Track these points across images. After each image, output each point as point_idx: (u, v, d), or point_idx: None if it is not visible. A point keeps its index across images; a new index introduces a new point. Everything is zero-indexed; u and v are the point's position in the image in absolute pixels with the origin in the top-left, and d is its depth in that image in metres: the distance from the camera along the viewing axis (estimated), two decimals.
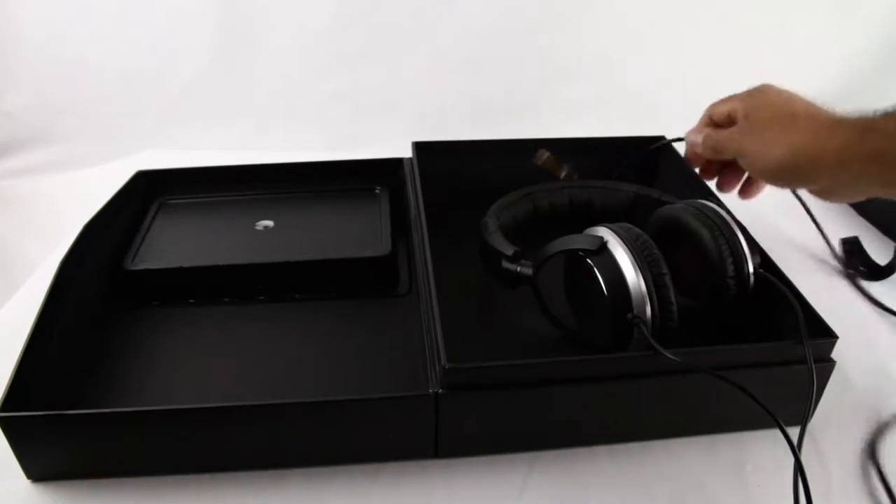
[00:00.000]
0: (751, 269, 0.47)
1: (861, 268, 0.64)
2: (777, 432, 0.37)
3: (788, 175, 0.46)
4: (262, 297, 0.54)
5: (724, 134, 0.51)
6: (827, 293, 0.58)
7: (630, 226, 0.46)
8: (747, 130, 0.49)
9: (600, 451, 0.45)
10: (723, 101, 0.53)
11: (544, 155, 0.60)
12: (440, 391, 0.41)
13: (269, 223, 0.60)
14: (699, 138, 0.53)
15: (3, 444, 0.40)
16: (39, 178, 1.18)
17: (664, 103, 0.84)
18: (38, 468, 0.41)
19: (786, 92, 0.49)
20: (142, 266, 0.53)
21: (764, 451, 0.45)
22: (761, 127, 0.48)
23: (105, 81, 1.22)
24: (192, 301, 0.53)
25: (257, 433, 0.41)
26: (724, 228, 0.47)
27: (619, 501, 0.42)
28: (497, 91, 1.13)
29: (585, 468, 0.44)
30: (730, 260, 0.46)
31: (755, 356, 0.43)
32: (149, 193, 0.63)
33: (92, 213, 0.54)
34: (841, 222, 0.71)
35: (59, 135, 1.23)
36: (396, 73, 1.16)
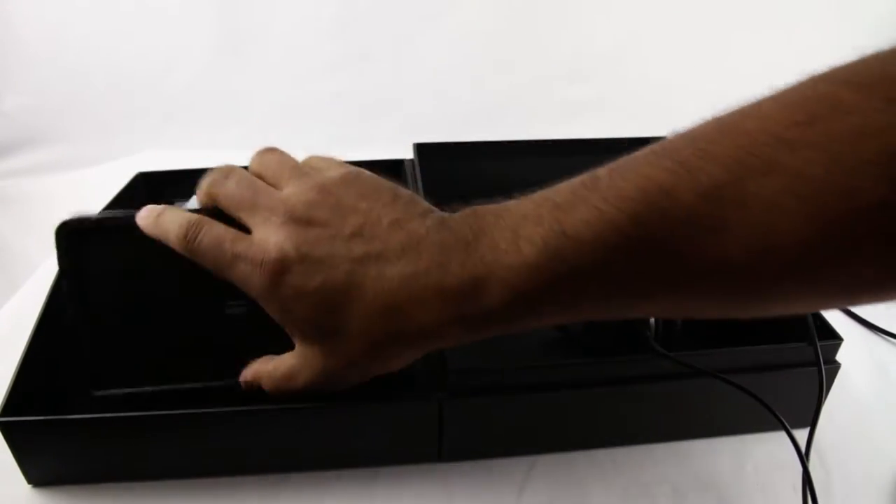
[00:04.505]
0: None
1: None
2: (777, 433, 0.37)
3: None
4: None
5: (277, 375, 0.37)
6: None
7: None
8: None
9: (600, 452, 0.45)
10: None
11: None
12: (445, 396, 0.40)
13: None
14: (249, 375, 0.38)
15: (4, 449, 0.39)
16: (39, 178, 1.18)
17: (665, 104, 0.83)
18: (38, 473, 0.41)
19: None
20: None
21: (764, 452, 0.44)
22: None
23: (105, 81, 1.22)
24: None
25: (259, 437, 0.41)
26: None
27: (618, 502, 0.42)
28: (499, 91, 1.13)
29: (585, 469, 0.44)
30: None
31: (760, 359, 0.42)
32: (149, 195, 0.62)
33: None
34: None
35: (59, 135, 1.23)
36: (397, 73, 1.16)
